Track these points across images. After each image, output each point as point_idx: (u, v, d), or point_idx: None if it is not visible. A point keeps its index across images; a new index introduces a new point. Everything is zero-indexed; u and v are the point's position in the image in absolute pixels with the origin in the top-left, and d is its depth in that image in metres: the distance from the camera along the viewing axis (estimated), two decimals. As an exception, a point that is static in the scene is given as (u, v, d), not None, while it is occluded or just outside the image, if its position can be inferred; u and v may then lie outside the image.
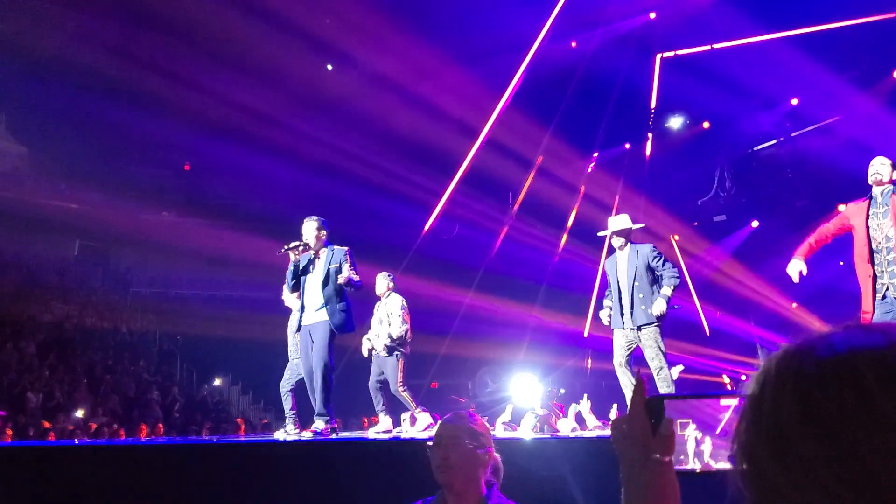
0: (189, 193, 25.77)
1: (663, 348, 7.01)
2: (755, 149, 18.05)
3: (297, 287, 7.40)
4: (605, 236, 7.53)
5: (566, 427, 8.36)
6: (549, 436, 7.70)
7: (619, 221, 7.43)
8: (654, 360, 6.98)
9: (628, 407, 1.29)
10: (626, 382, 7.20)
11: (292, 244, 7.26)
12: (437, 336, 17.34)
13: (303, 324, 7.26)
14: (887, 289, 5.89)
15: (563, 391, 11.53)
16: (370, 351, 8.72)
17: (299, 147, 20.91)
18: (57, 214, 22.45)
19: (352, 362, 14.64)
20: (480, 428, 2.96)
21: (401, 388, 8.46)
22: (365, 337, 8.84)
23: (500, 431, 8.51)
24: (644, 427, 1.24)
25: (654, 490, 1.21)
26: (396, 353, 8.53)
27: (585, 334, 17.79)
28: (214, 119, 21.46)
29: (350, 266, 7.19)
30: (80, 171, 22.50)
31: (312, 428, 7.11)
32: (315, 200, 20.35)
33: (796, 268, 6.39)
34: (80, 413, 15.77)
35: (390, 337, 8.50)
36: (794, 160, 17.70)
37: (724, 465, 1.31)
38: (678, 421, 1.33)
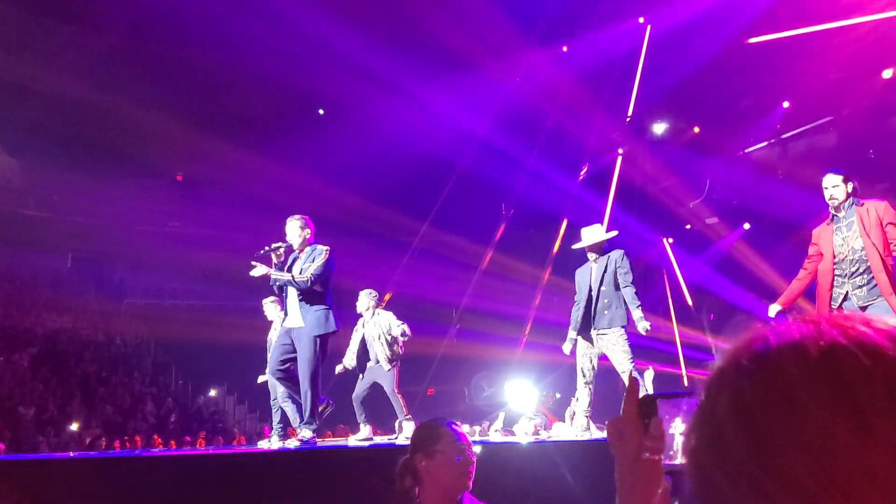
0: (182, 204, 25.75)
1: (629, 352, 6.97)
2: (746, 151, 18.11)
3: (281, 290, 7.17)
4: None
5: (562, 431, 8.33)
6: (543, 439, 7.69)
7: (592, 234, 7.38)
8: (622, 364, 6.94)
9: (622, 408, 1.30)
10: (584, 392, 7.20)
11: (273, 245, 7.03)
12: (433, 340, 17.36)
13: (286, 326, 7.09)
14: (845, 297, 5.86)
15: (558, 395, 11.53)
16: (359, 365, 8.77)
17: (292, 155, 20.95)
18: (49, 227, 22.41)
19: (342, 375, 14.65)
20: (456, 432, 3.03)
21: (397, 392, 8.50)
22: (345, 359, 8.84)
23: (494, 438, 8.51)
24: (636, 427, 1.26)
25: (643, 488, 1.23)
26: (393, 364, 8.60)
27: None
28: (207, 129, 21.49)
29: (320, 265, 6.93)
30: (71, 184, 22.47)
31: (299, 437, 6.94)
32: (308, 206, 20.41)
33: (774, 309, 6.41)
34: (74, 426, 15.72)
35: (393, 348, 8.57)
36: (786, 161, 17.76)
37: None
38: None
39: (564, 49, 18.91)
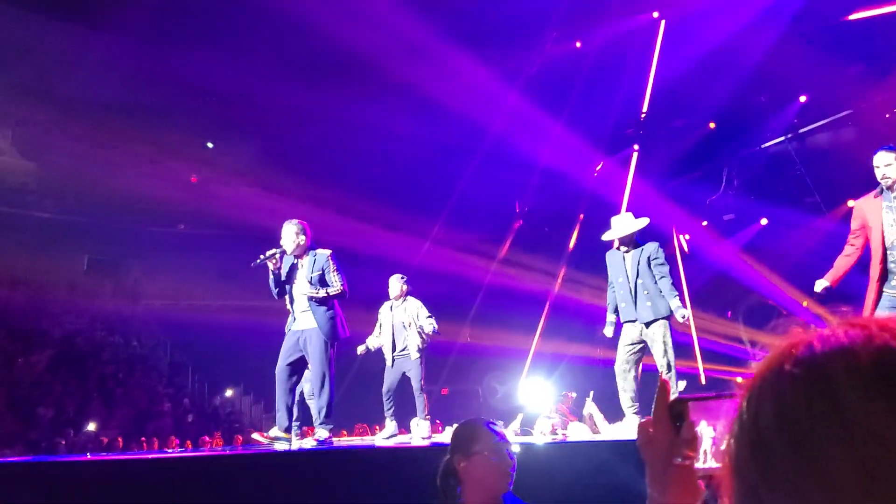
0: (197, 205, 25.84)
1: (670, 344, 6.92)
2: (763, 146, 17.98)
3: (281, 295, 7.16)
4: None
5: (579, 432, 8.23)
6: (560, 439, 7.63)
7: (623, 224, 7.31)
8: (661, 356, 6.90)
9: (652, 410, 1.25)
10: (626, 387, 7.10)
11: (268, 253, 6.99)
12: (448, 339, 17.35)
13: (293, 328, 7.07)
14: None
15: (574, 394, 11.44)
16: (370, 352, 8.72)
17: (303, 154, 20.99)
18: (65, 229, 22.52)
19: (360, 373, 14.59)
20: (495, 432, 3.01)
21: (423, 390, 8.51)
22: (369, 339, 8.83)
23: (513, 439, 8.44)
24: (667, 430, 1.21)
25: (675, 495, 1.17)
26: (422, 354, 8.56)
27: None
28: (221, 130, 21.58)
29: (335, 270, 6.97)
30: (87, 186, 22.58)
31: (316, 437, 6.96)
32: (321, 208, 20.46)
33: (821, 285, 6.25)
34: (91, 426, 15.79)
35: (422, 336, 8.56)
36: (803, 156, 17.63)
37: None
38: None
39: (578, 45, 18.85)
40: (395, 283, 8.87)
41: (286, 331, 7.17)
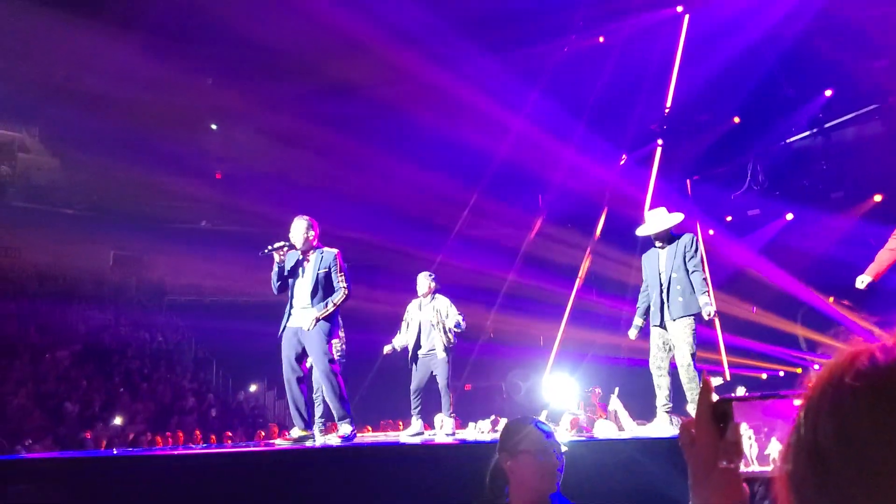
0: (221, 202, 25.98)
1: (693, 344, 6.82)
2: (788, 141, 17.78)
3: (282, 289, 7.10)
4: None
5: (605, 429, 8.16)
6: (584, 438, 7.59)
7: (658, 220, 7.18)
8: (684, 355, 6.78)
9: (695, 410, 1.22)
10: (661, 384, 7.00)
11: (276, 245, 6.96)
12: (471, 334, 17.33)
13: (290, 324, 7.02)
14: None
15: (598, 390, 11.39)
16: (396, 352, 8.69)
17: (327, 153, 21.03)
18: (91, 225, 22.73)
19: (381, 370, 14.60)
20: (543, 432, 2.99)
21: (449, 387, 8.50)
22: (396, 339, 8.83)
23: (563, 439, 8.40)
24: (710, 432, 1.17)
25: (719, 498, 1.14)
26: (448, 353, 8.55)
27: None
28: (244, 127, 21.68)
29: (340, 271, 6.97)
30: (113, 182, 22.78)
31: (340, 434, 6.91)
32: (343, 204, 20.50)
33: (863, 280, 6.12)
34: (118, 420, 15.94)
35: (449, 335, 8.55)
36: (828, 152, 17.42)
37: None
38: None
39: (601, 40, 18.74)
40: (424, 281, 8.81)
41: (280, 333, 7.11)
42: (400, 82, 19.65)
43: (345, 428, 6.85)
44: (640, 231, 7.34)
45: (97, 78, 20.69)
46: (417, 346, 8.63)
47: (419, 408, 8.58)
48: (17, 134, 26.26)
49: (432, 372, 8.57)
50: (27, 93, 21.71)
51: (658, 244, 7.15)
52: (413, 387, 8.60)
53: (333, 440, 7.06)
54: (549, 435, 2.92)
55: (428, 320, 8.60)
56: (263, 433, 15.73)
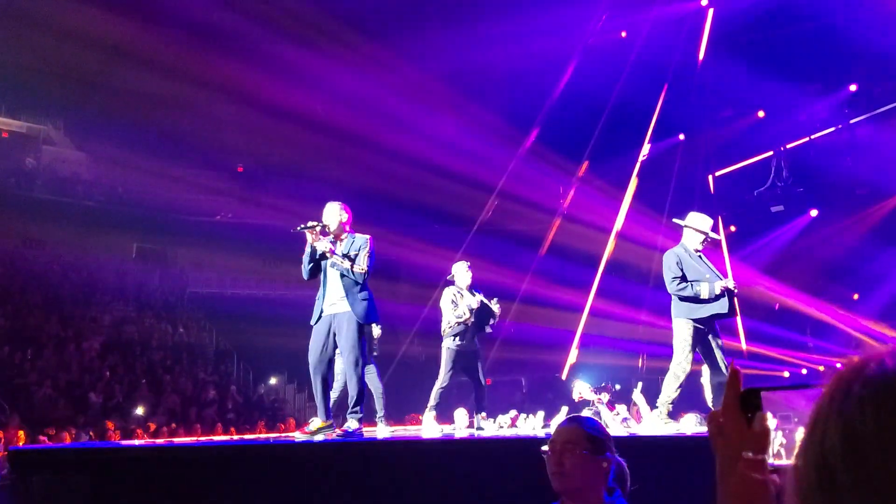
0: (243, 194, 26.14)
1: (678, 348, 6.80)
2: (812, 137, 17.59)
3: (314, 273, 6.94)
4: (709, 236, 7.19)
5: (651, 425, 8.04)
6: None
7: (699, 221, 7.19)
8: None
9: (723, 400, 1.21)
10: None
11: (309, 224, 6.82)
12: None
13: (324, 313, 6.86)
14: None
15: (618, 386, 11.33)
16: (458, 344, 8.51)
17: (346, 145, 21.10)
18: (115, 218, 22.94)
19: (404, 361, 14.59)
20: (599, 433, 2.79)
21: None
22: (453, 317, 8.54)
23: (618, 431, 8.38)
24: (737, 422, 1.17)
25: (745, 490, 1.13)
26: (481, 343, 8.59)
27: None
28: (266, 122, 21.77)
29: (368, 255, 6.81)
30: (136, 177, 22.98)
31: (345, 427, 6.77)
32: (365, 199, 20.55)
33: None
34: (140, 410, 16.09)
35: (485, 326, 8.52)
36: (853, 147, 17.23)
37: None
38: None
39: (623, 35, 18.64)
40: (467, 272, 8.63)
41: (314, 322, 6.99)
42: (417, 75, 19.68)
43: (352, 423, 6.76)
44: (713, 234, 7.27)
45: (122, 71, 20.83)
46: (463, 337, 8.43)
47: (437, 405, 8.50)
48: (42, 126, 26.55)
49: (470, 363, 8.49)
50: (53, 86, 21.93)
51: (700, 245, 7.10)
52: (451, 379, 8.45)
53: (356, 429, 6.99)
54: (555, 432, 2.85)
55: (473, 310, 8.53)
56: (283, 426, 15.82)
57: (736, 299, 7.02)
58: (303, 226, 6.86)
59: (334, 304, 6.84)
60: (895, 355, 0.73)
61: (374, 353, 9.06)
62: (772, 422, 1.23)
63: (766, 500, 1.10)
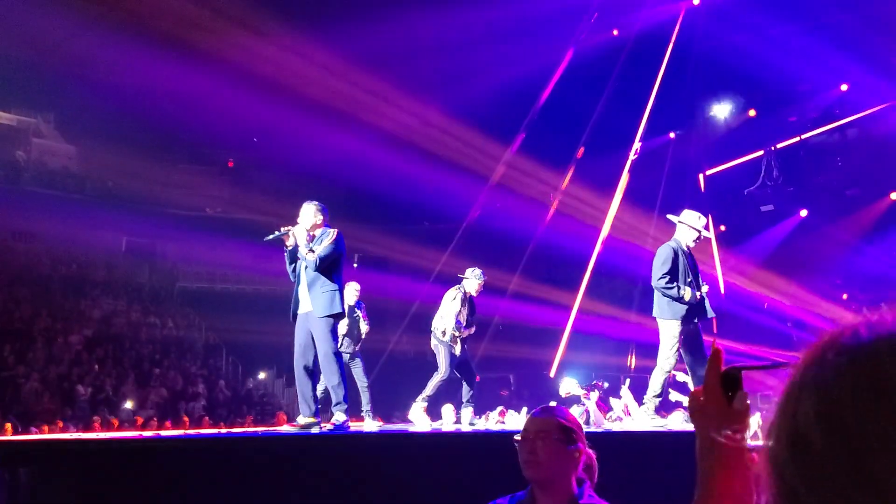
0: (233, 190, 26.07)
1: (664, 349, 6.87)
2: (803, 136, 17.65)
3: (294, 272, 7.03)
4: (702, 234, 7.20)
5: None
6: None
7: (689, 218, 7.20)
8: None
9: (704, 378, 1.21)
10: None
11: (282, 229, 6.87)
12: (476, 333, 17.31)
13: (298, 312, 6.95)
14: None
15: (606, 384, 11.36)
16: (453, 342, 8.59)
17: (340, 141, 21.06)
18: (104, 211, 22.83)
19: (392, 356, 14.56)
20: (571, 423, 2.82)
21: None
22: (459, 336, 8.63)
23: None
24: (718, 400, 1.17)
25: (724, 468, 1.13)
26: None
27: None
28: (258, 116, 21.70)
29: (329, 244, 6.80)
30: (127, 169, 22.86)
31: (333, 420, 6.81)
32: (355, 195, 20.54)
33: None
34: (129, 404, 16.04)
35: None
36: (844, 148, 17.30)
37: None
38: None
39: (615, 33, 18.65)
40: (478, 280, 8.74)
41: (291, 317, 7.05)
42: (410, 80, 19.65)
43: (339, 416, 6.78)
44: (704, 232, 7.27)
45: (113, 65, 20.72)
46: (463, 343, 8.65)
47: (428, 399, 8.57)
48: (32, 119, 26.42)
49: (467, 360, 8.67)
50: (42, 79, 21.80)
51: (692, 244, 7.12)
52: (448, 375, 8.52)
53: (326, 428, 6.99)
54: (529, 419, 2.90)
55: (469, 314, 8.65)
56: (273, 421, 15.81)
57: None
58: (277, 232, 6.92)
59: (303, 302, 6.90)
60: (869, 325, 0.73)
61: (352, 349, 9.11)
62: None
63: (746, 478, 1.11)
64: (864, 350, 0.70)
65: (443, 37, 17.74)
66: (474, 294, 8.74)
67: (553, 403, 9.47)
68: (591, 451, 2.87)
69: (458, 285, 8.77)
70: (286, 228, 6.91)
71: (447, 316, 8.49)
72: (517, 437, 2.79)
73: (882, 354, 0.69)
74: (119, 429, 13.59)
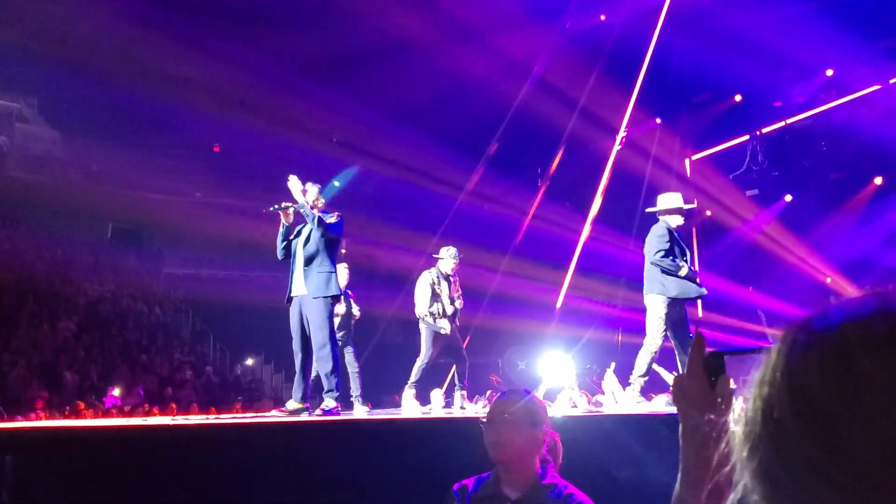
0: (219, 174, 25.94)
1: (651, 326, 6.94)
2: (788, 121, 17.70)
3: (287, 253, 6.98)
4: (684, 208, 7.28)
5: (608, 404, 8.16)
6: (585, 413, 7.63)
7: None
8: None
9: (687, 362, 1.23)
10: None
11: (283, 204, 6.86)
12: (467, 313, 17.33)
13: (293, 294, 6.89)
14: None
15: (591, 366, 11.43)
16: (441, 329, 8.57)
17: (327, 125, 20.99)
18: (90, 197, 22.69)
19: (383, 341, 14.56)
20: (536, 406, 2.88)
21: None
22: (444, 319, 8.61)
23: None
24: (701, 385, 1.19)
25: (708, 453, 1.16)
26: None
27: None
28: (243, 100, 21.59)
29: (336, 220, 6.86)
30: (111, 155, 22.71)
31: (322, 406, 6.82)
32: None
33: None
34: (116, 391, 16.00)
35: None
36: (829, 132, 17.36)
37: None
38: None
39: (602, 18, 18.60)
40: (453, 259, 8.72)
41: (286, 300, 6.97)
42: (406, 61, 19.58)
43: (329, 402, 6.78)
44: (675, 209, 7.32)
45: (98, 50, 20.52)
46: (452, 318, 8.64)
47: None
48: (15, 104, 26.18)
49: (455, 344, 8.68)
50: (25, 62, 21.59)
51: (676, 224, 7.16)
52: (432, 361, 8.56)
53: (315, 414, 7.01)
54: (491, 402, 2.97)
55: (449, 296, 8.62)
56: (260, 407, 15.82)
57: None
58: (276, 206, 6.89)
59: (297, 284, 6.86)
60: (839, 308, 0.76)
61: (345, 334, 9.11)
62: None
63: (727, 462, 1.13)
64: (830, 330, 0.73)
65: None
66: (450, 273, 8.71)
67: (542, 388, 9.54)
68: (555, 432, 2.93)
69: (429, 269, 8.76)
70: (289, 203, 6.88)
71: (419, 303, 8.51)
72: (483, 420, 2.85)
73: (847, 334, 0.72)
74: (106, 415, 13.56)
